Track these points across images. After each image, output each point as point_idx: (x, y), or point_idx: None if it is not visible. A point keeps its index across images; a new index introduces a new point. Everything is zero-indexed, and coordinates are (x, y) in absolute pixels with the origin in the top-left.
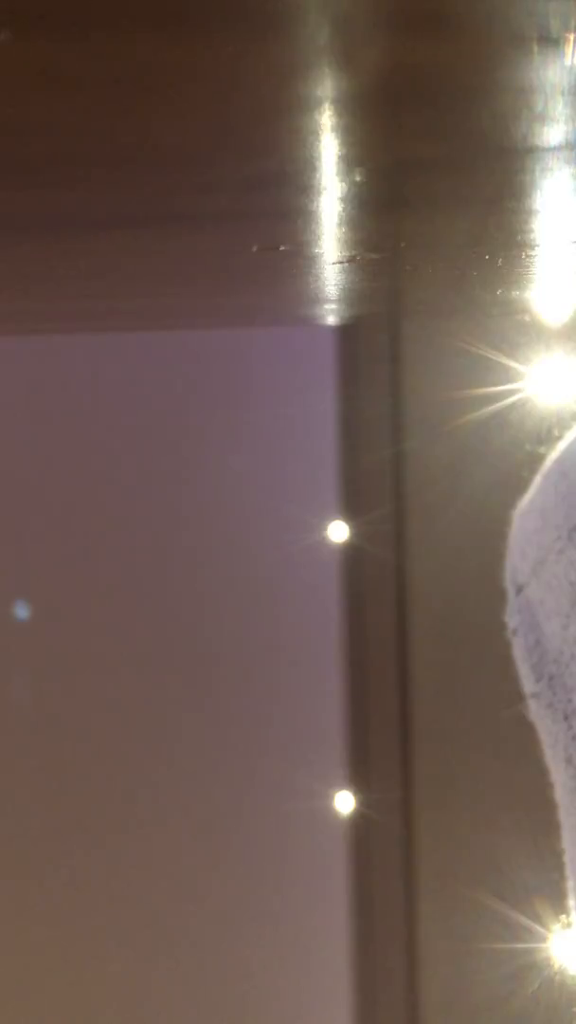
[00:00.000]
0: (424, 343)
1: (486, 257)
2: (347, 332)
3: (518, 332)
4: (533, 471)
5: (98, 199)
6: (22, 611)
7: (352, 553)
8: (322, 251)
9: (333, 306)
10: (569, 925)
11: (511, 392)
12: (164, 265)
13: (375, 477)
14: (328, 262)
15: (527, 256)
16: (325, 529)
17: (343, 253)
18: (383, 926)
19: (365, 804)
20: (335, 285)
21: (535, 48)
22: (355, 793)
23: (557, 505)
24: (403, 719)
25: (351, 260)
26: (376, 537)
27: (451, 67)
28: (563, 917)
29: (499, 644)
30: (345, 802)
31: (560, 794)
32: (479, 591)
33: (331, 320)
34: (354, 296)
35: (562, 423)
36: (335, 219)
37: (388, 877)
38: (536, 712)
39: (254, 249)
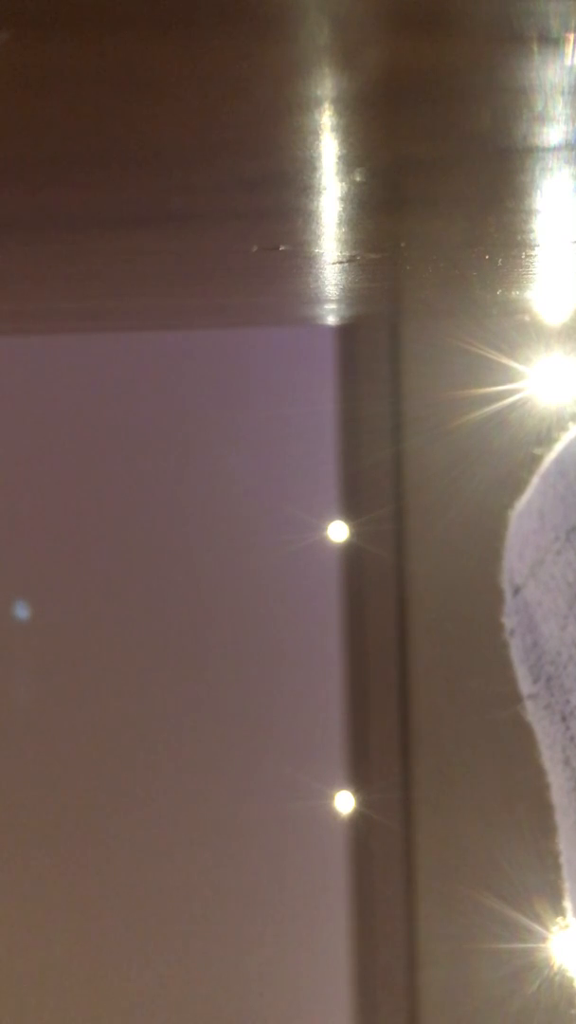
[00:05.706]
0: (424, 343)
1: (486, 257)
2: (347, 332)
3: (518, 332)
4: (533, 471)
5: (98, 199)
6: (22, 611)
7: (352, 553)
8: (322, 251)
9: (333, 306)
10: (567, 927)
11: (511, 392)
12: (164, 265)
13: (375, 477)
14: (328, 262)
15: (527, 256)
16: (325, 529)
17: (343, 253)
18: (383, 926)
19: (365, 804)
20: (335, 285)
21: (535, 48)
22: (355, 793)
23: (555, 506)
24: (403, 719)
25: (351, 260)
26: (376, 537)
27: (451, 67)
28: (561, 919)
29: (499, 644)
30: (345, 802)
31: (557, 796)
32: (479, 591)
33: (331, 320)
34: (354, 296)
35: (562, 423)
36: (335, 219)
37: (388, 877)
38: (534, 713)
39: (254, 249)
